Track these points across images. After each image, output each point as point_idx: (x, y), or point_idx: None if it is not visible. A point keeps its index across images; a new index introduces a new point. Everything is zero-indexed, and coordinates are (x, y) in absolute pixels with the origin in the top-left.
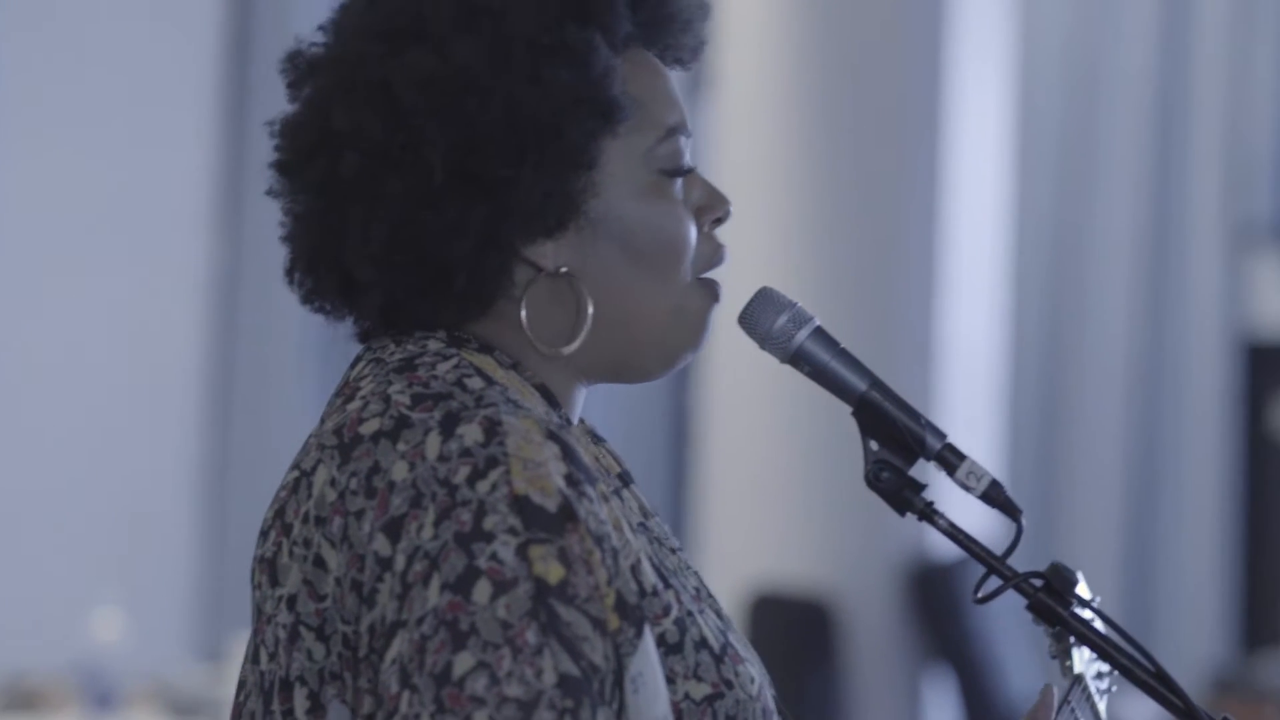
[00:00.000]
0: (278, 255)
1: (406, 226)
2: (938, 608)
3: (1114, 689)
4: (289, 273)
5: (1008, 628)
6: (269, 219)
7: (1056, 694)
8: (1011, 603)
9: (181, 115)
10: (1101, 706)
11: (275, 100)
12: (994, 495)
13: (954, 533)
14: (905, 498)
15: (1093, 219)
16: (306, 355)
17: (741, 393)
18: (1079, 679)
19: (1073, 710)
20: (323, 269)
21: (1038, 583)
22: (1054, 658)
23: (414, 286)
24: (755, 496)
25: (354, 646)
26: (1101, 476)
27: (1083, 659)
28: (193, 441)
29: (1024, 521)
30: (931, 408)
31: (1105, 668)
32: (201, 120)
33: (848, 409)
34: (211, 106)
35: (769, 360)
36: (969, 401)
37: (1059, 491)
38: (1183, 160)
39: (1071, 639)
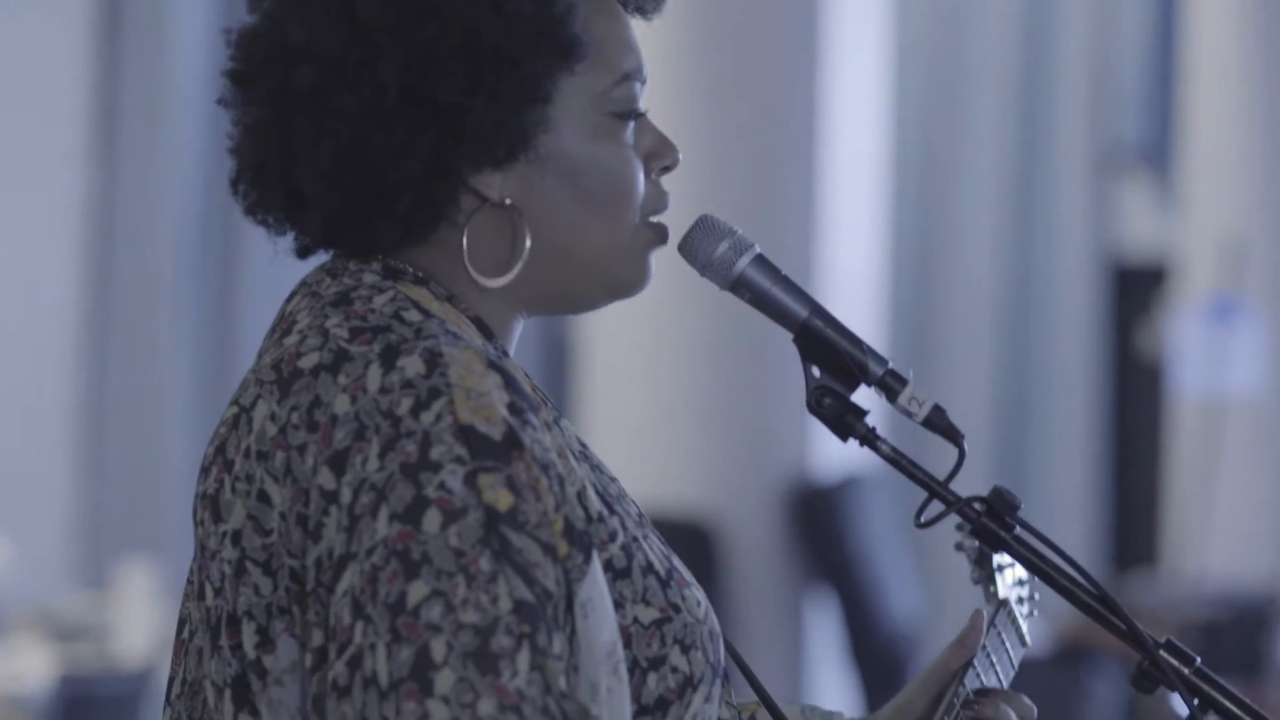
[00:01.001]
0: (153, 187)
1: (356, 145)
2: (819, 530)
3: (1035, 613)
4: (234, 184)
5: (889, 550)
6: (144, 150)
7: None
8: (892, 526)
9: (55, 47)
10: (1025, 629)
11: (150, 28)
12: (936, 421)
13: (896, 458)
14: (847, 424)
15: (963, 144)
16: (182, 285)
17: (621, 317)
18: (1004, 603)
19: (999, 634)
20: (269, 182)
21: (980, 507)
22: (976, 583)
23: (359, 205)
24: (636, 420)
25: (301, 580)
26: (972, 398)
27: (1006, 584)
28: (71, 371)
29: (965, 446)
30: None
31: (1027, 592)
32: (76, 51)
33: (730, 332)
34: (86, 37)
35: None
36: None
37: None
38: (1050, 85)
39: (995, 564)
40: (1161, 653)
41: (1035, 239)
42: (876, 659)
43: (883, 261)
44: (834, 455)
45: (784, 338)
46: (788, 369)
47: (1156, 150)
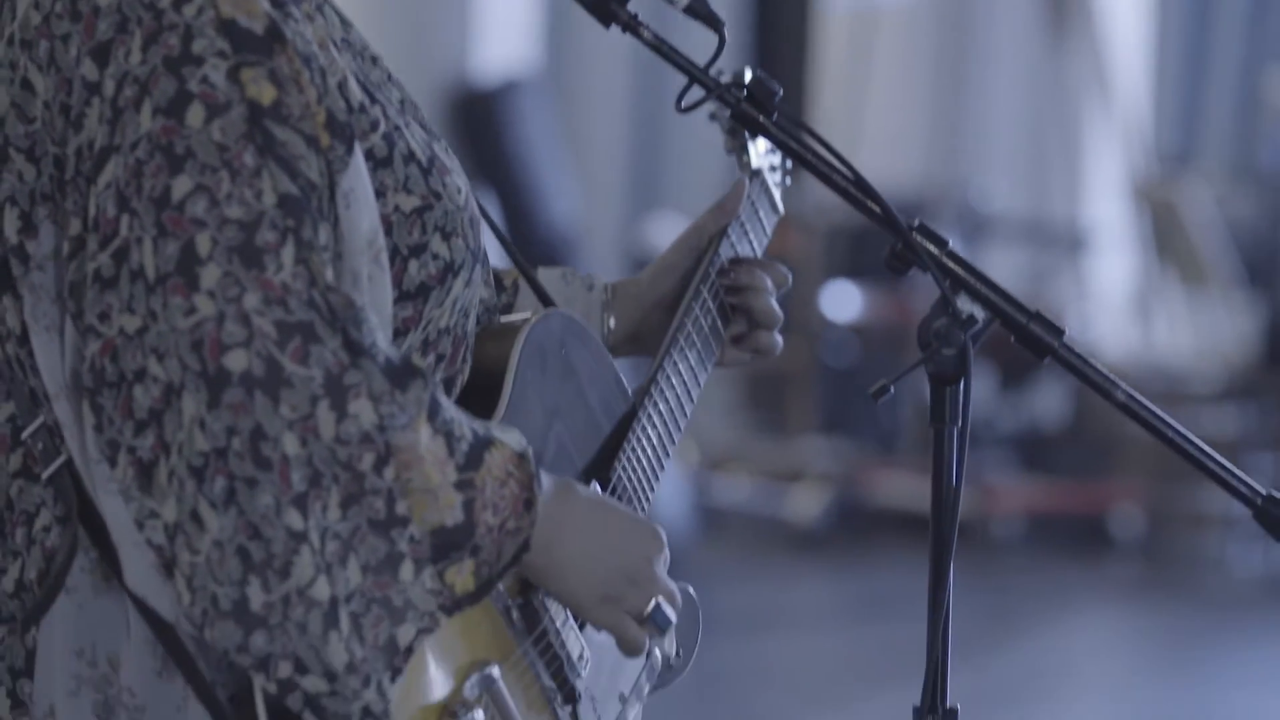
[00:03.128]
0: None
1: None
2: (479, 132)
3: (788, 182)
4: None
5: (548, 153)
6: None
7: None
8: (551, 129)
9: None
10: (777, 196)
11: None
12: (697, 8)
13: (658, 45)
14: (610, 10)
15: None
16: None
17: None
18: (757, 173)
19: (752, 203)
20: None
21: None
22: (730, 153)
23: None
24: None
25: (63, 168)
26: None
27: (758, 154)
28: None
29: (725, 33)
30: None
31: (779, 160)
32: None
33: None
34: None
35: None
36: None
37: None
38: None
39: (747, 135)
40: (914, 235)
41: None
42: (535, 260)
43: None
44: (494, 59)
45: None
46: None
47: None
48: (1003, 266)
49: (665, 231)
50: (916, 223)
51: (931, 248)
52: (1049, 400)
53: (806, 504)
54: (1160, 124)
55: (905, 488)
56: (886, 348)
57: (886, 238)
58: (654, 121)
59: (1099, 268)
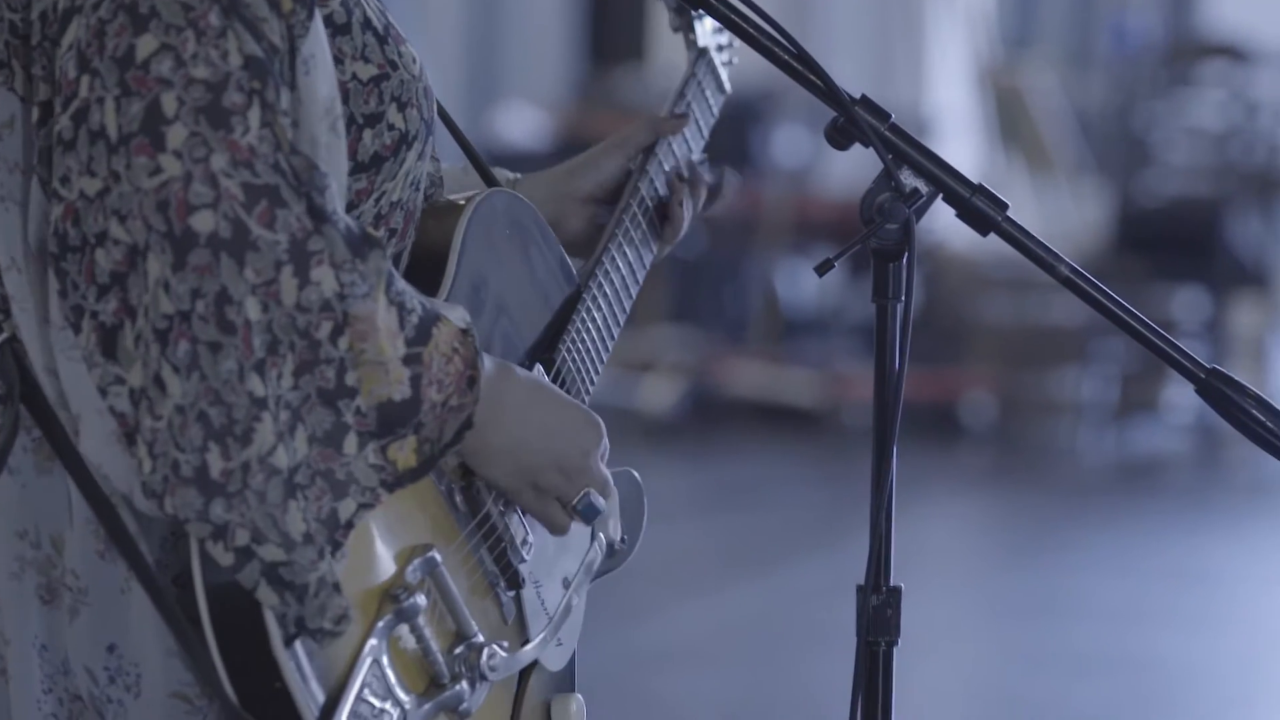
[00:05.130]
0: None
1: None
2: None
3: (734, 60)
4: None
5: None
6: None
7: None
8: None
9: None
10: (724, 76)
11: None
12: None
13: None
14: None
15: None
16: None
17: None
18: (703, 52)
19: (698, 83)
20: None
21: None
22: (676, 30)
23: None
24: None
25: (22, 35)
26: None
27: (705, 32)
28: None
29: None
30: None
31: (725, 39)
32: None
33: None
34: None
35: None
36: None
37: None
38: None
39: (693, 13)
40: (857, 109)
41: None
42: None
43: None
44: None
45: None
46: None
47: None
48: (848, 154)
49: (511, 121)
50: (860, 96)
51: (874, 122)
52: None
53: (659, 394)
54: (1002, 8)
55: (756, 377)
56: (735, 237)
57: (731, 127)
58: (492, 10)
59: (944, 154)
